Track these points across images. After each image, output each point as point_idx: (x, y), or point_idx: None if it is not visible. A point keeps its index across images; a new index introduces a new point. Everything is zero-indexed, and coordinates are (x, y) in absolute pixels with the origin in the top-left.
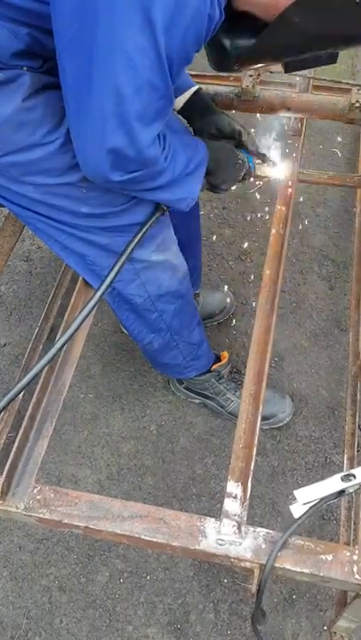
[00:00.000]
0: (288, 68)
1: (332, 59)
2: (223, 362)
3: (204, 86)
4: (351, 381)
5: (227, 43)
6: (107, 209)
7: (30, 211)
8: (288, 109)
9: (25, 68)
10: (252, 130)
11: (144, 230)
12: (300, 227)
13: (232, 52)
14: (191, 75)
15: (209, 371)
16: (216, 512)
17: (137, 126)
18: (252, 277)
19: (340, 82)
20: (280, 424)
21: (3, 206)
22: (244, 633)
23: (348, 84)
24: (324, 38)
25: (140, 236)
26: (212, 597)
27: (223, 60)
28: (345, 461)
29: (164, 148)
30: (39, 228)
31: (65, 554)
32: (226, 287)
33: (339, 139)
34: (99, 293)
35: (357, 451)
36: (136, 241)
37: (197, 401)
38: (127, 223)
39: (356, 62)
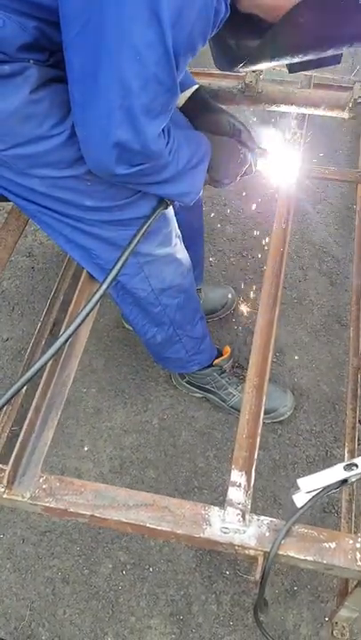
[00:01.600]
0: (292, 69)
1: (336, 59)
2: (225, 356)
3: (207, 82)
4: (352, 376)
5: (232, 43)
6: (111, 202)
7: (35, 204)
8: (291, 105)
9: (32, 61)
10: (255, 119)
11: (148, 224)
12: (301, 223)
13: (238, 53)
14: (195, 71)
15: (211, 365)
16: (218, 504)
17: (143, 120)
18: (253, 273)
19: (342, 77)
20: (281, 418)
21: (8, 200)
22: (246, 624)
23: (350, 79)
24: (328, 39)
25: (144, 229)
26: (214, 589)
27: (228, 61)
28: (346, 455)
29: (168, 142)
30: (44, 222)
31: (68, 546)
32: (228, 283)
33: (340, 135)
34: (104, 286)
35: (358, 444)
36: (140, 235)
37: (199, 395)
38: (131, 217)
39: (356, 61)
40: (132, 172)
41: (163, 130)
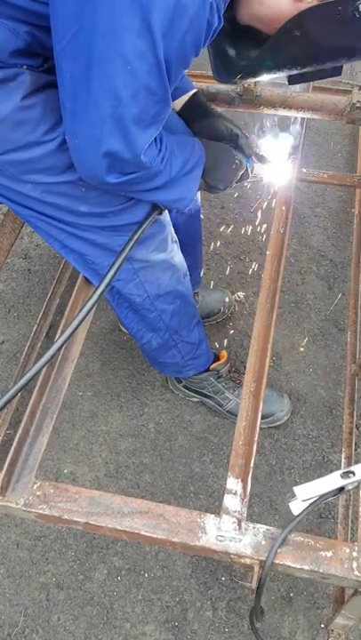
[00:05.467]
0: (292, 81)
1: (337, 71)
2: (222, 361)
3: (205, 85)
4: (349, 381)
5: (232, 53)
6: (106, 208)
7: (30, 209)
8: (289, 108)
9: (25, 67)
10: (252, 125)
11: (142, 230)
12: (299, 227)
13: (237, 63)
14: (194, 75)
15: (208, 370)
16: (214, 510)
17: (134, 130)
18: (250, 277)
19: (340, 82)
20: (278, 423)
21: (2, 204)
22: (242, 631)
23: (348, 84)
24: (325, 52)
25: (137, 235)
26: (209, 595)
27: (227, 72)
28: (343, 460)
29: (160, 150)
30: (39, 227)
31: (63, 551)
32: (225, 287)
33: (338, 139)
34: (97, 293)
35: (355, 449)
36: (134, 241)
37: (196, 399)
38: (126, 222)
39: (355, 65)
40: (123, 181)
41: (155, 138)
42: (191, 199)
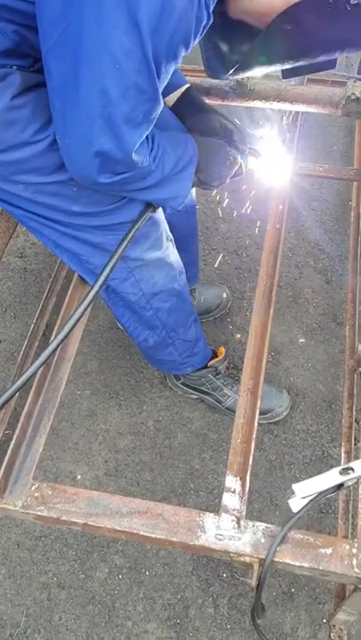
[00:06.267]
0: (286, 74)
1: (332, 64)
2: (220, 357)
3: (199, 79)
4: (348, 375)
5: (224, 48)
6: (98, 207)
7: (22, 209)
8: (284, 102)
9: (14, 67)
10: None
11: (135, 229)
12: (296, 221)
13: (228, 59)
14: (186, 69)
15: (206, 366)
16: (214, 507)
17: (124, 129)
18: (248, 272)
19: (335, 74)
20: (277, 418)
21: None
22: (244, 627)
23: (343, 76)
24: (317, 45)
25: (131, 234)
26: (211, 592)
27: (219, 67)
28: (342, 455)
29: (152, 149)
30: (32, 227)
31: (63, 550)
32: (222, 282)
33: (334, 132)
34: (91, 294)
35: (355, 444)
36: (128, 240)
37: (194, 396)
38: (120, 221)
39: (351, 57)
40: (115, 181)
41: (146, 137)
42: (185, 197)
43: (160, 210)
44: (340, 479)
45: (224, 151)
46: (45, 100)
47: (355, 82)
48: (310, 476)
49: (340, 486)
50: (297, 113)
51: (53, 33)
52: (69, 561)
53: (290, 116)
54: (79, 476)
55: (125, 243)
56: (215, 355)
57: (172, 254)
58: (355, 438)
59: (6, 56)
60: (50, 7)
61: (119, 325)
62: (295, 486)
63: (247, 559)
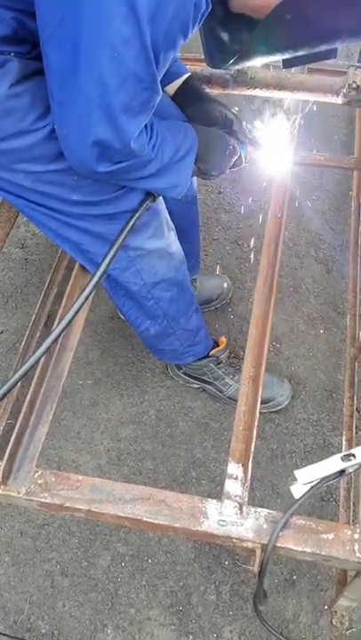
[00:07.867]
0: (286, 64)
1: (333, 53)
2: (221, 347)
3: (199, 68)
4: (349, 364)
5: (224, 38)
6: (99, 196)
7: (22, 198)
8: (284, 90)
9: (13, 54)
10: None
11: (135, 218)
12: (297, 211)
13: (228, 49)
14: (187, 58)
15: (207, 356)
16: (216, 495)
17: (122, 118)
18: (249, 262)
19: (336, 62)
20: (278, 407)
21: None
22: (246, 614)
23: (344, 64)
24: (316, 35)
25: (131, 223)
26: (213, 579)
27: (219, 57)
28: (343, 443)
29: (151, 137)
30: (33, 216)
31: (66, 538)
32: (223, 272)
33: (335, 121)
34: (92, 283)
35: (356, 432)
36: (128, 229)
37: (196, 386)
38: (120, 210)
39: (351, 46)
40: (114, 170)
41: (145, 126)
42: (185, 186)
43: (161, 199)
44: (341, 465)
45: (224, 141)
46: (44, 89)
47: (355, 70)
48: (311, 464)
49: (341, 472)
50: (298, 102)
51: (51, 21)
52: (72, 549)
53: (290, 106)
54: (82, 465)
55: (126, 232)
56: (216, 344)
57: (174, 244)
58: (356, 427)
59: (4, 43)
60: None
61: (121, 315)
62: (297, 472)
63: (250, 545)
